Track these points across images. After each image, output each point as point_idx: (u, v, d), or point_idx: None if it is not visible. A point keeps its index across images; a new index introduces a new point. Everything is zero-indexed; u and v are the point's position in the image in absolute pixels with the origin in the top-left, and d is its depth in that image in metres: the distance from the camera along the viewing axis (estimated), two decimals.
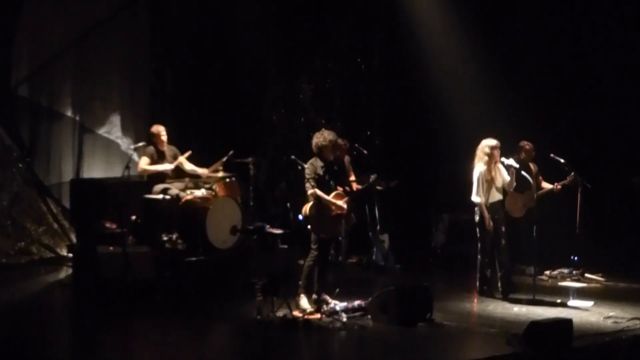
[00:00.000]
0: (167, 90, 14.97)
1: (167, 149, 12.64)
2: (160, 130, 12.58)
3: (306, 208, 10.58)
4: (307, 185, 10.45)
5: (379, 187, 13.41)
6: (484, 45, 14.67)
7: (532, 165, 13.00)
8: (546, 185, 13.15)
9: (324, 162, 10.58)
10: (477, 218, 11.67)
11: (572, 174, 12.94)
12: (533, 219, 11.96)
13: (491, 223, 11.53)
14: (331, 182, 10.62)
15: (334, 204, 10.52)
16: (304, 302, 10.55)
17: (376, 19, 16.37)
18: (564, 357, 9.19)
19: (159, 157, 12.51)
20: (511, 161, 11.64)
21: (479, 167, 11.57)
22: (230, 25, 15.03)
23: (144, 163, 12.44)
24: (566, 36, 14.40)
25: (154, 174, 12.40)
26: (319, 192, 10.38)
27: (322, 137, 10.59)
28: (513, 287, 11.78)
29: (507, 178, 11.66)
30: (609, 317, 10.59)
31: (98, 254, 11.34)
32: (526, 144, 13.08)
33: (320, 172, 10.53)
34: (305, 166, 10.66)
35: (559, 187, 13.10)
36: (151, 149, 12.52)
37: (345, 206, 10.60)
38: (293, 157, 13.15)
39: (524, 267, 12.98)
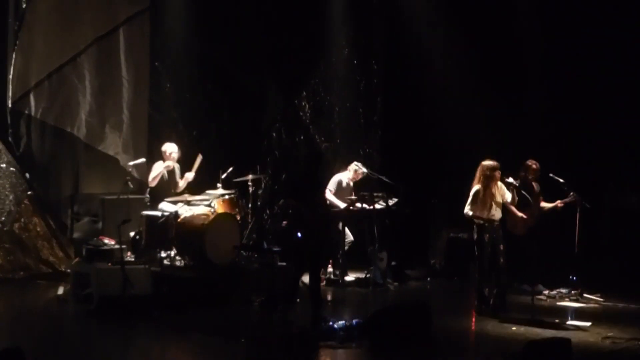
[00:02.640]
0: (166, 106, 14.98)
1: (175, 166, 12.80)
2: (172, 149, 12.76)
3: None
4: None
5: (379, 206, 13.43)
6: (485, 64, 14.70)
7: (534, 185, 12.99)
8: (546, 205, 13.12)
9: None
10: (475, 236, 11.68)
11: (572, 193, 12.92)
12: (533, 238, 11.93)
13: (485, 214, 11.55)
14: None
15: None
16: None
17: (375, 37, 16.41)
18: None
19: (167, 174, 12.60)
20: (510, 179, 11.68)
21: (477, 187, 11.58)
22: (229, 42, 15.07)
23: (152, 174, 12.60)
24: (567, 56, 14.42)
25: (155, 190, 12.51)
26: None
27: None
28: (505, 306, 11.74)
29: (508, 195, 11.69)
30: (608, 338, 10.55)
31: (97, 270, 11.34)
32: (533, 163, 13.01)
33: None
34: None
35: (561, 204, 13.06)
36: (160, 165, 12.65)
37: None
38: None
39: (523, 287, 12.95)
